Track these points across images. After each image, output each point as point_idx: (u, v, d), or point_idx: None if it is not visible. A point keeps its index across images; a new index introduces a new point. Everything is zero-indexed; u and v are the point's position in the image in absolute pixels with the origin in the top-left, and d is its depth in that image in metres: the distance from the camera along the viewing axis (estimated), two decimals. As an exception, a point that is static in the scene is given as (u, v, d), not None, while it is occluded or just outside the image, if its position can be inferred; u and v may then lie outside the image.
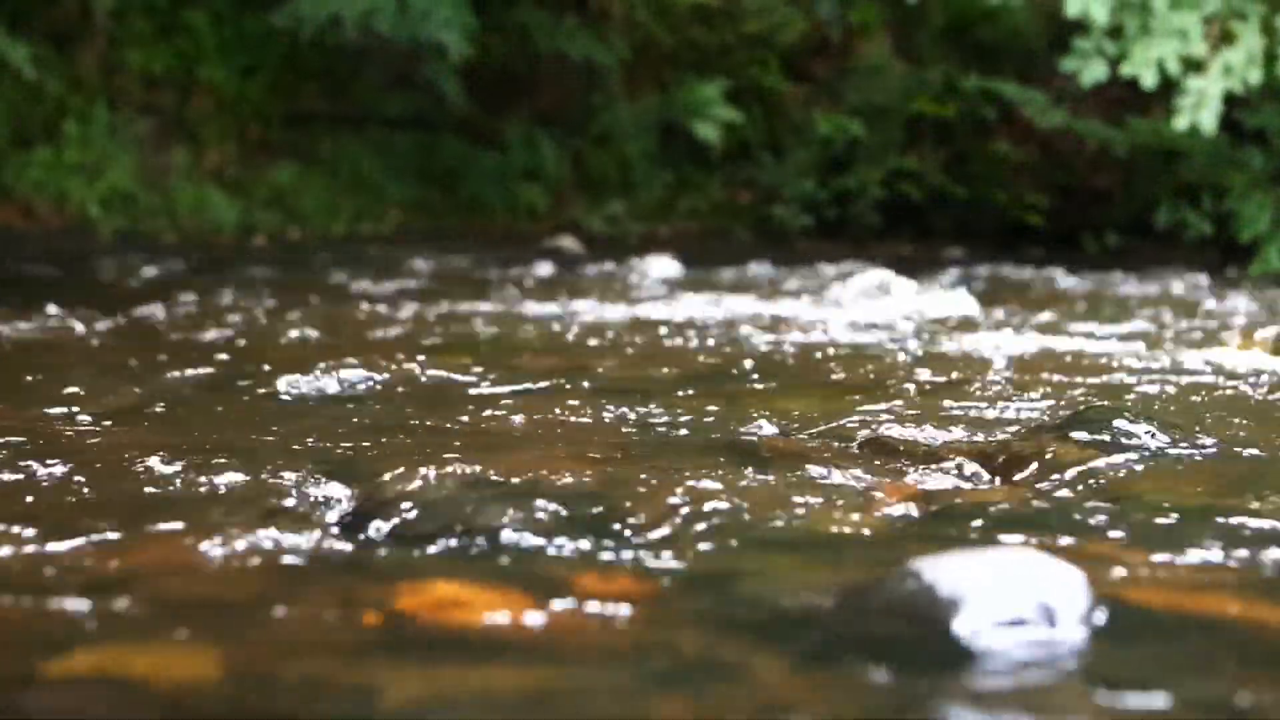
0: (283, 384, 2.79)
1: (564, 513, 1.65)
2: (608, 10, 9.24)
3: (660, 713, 1.10)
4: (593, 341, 3.84)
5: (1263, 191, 7.85)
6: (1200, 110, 6.81)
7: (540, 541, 1.57)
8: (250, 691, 1.14)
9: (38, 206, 7.72)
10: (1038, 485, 1.89)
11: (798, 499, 1.76)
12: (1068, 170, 9.45)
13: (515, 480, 1.78)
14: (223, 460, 1.94)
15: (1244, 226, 7.63)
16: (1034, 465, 1.96)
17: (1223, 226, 8.04)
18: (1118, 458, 2.03)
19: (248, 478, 1.82)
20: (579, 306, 4.80)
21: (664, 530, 1.63)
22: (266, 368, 3.05)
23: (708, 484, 1.81)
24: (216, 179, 8.37)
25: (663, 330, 4.15)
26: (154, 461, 1.93)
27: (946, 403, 2.62)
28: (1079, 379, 3.06)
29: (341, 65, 8.96)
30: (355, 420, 2.42)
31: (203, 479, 1.83)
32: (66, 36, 8.19)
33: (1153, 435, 2.14)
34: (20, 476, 1.85)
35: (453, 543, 1.56)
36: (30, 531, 1.57)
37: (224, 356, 3.43)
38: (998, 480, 1.94)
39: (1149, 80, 6.92)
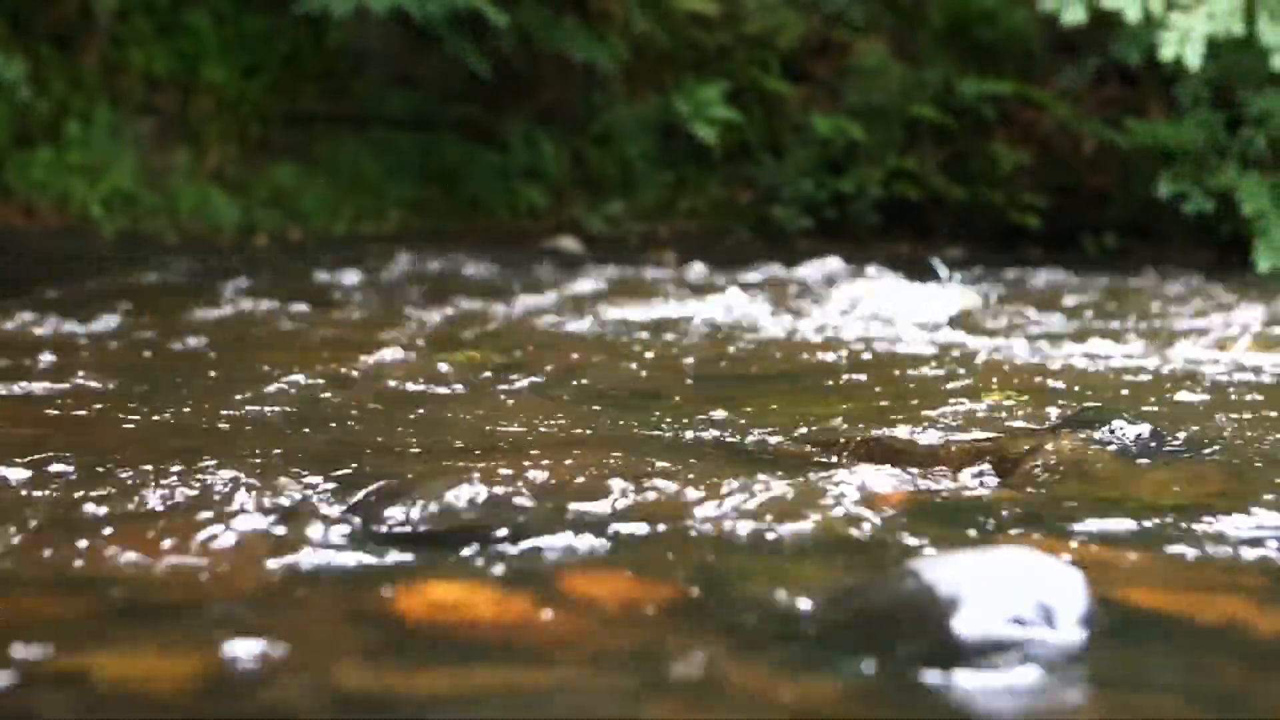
0: (283, 383, 2.80)
1: (564, 513, 1.66)
2: (608, 11, 9.24)
3: (659, 713, 1.11)
4: (592, 341, 3.85)
5: (1259, 171, 7.86)
6: (1185, 45, 6.84)
7: (541, 542, 1.58)
8: (250, 692, 1.15)
9: (39, 206, 7.72)
10: (1036, 485, 1.90)
11: (796, 499, 1.77)
12: (1067, 171, 9.45)
13: (516, 481, 1.78)
14: (222, 459, 1.94)
15: (1246, 199, 7.65)
16: (1033, 465, 1.97)
17: (1215, 213, 8.04)
18: (1117, 458, 2.04)
19: (247, 477, 1.83)
20: (578, 306, 4.80)
21: (664, 531, 1.64)
22: (267, 366, 3.05)
23: (706, 484, 1.82)
24: (217, 179, 8.38)
25: (662, 330, 4.15)
26: (154, 460, 1.94)
27: (945, 403, 2.62)
28: (1078, 379, 3.06)
29: (341, 65, 8.96)
30: (355, 420, 2.43)
31: (202, 478, 1.84)
32: (68, 37, 8.19)
33: (1152, 435, 2.15)
34: (18, 475, 1.86)
35: (453, 543, 1.56)
36: (27, 531, 1.57)
37: (225, 355, 3.44)
38: (996, 480, 1.95)
39: (1132, 14, 6.96)
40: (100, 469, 1.89)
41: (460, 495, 1.67)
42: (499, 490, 1.70)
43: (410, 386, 2.85)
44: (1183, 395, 2.81)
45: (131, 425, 2.32)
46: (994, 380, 3.04)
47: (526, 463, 1.94)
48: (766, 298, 5.24)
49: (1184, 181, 8.06)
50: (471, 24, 7.99)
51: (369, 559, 1.52)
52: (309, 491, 1.74)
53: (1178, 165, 8.15)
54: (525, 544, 1.57)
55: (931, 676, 1.17)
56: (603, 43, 8.97)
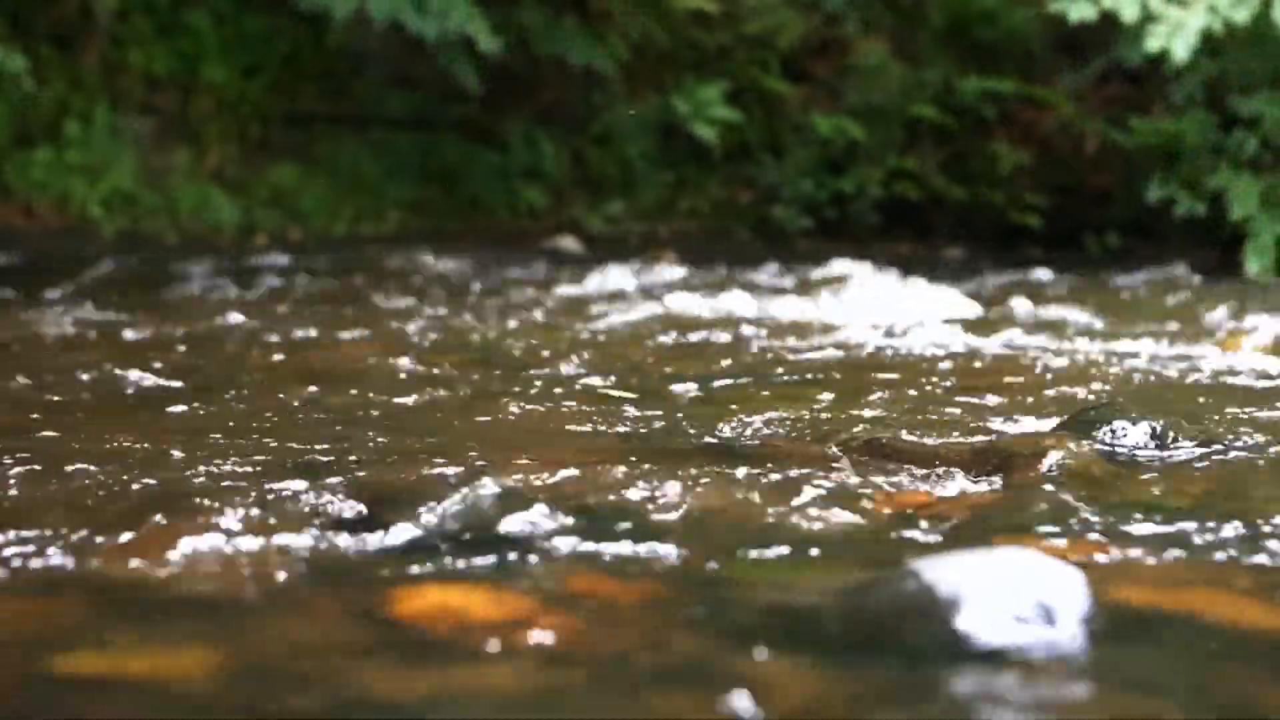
0: (283, 385, 2.80)
1: (564, 514, 1.66)
2: (607, 11, 9.24)
3: (659, 713, 1.11)
4: (591, 342, 3.85)
5: (1252, 173, 7.84)
6: (1174, 38, 6.69)
7: (540, 543, 1.58)
8: (251, 693, 1.15)
9: (39, 206, 7.73)
10: (1037, 485, 1.89)
11: (796, 500, 1.77)
12: (1068, 170, 9.45)
13: (515, 481, 1.78)
14: (222, 461, 1.94)
15: (1235, 202, 7.60)
16: (1033, 465, 1.97)
17: (1215, 213, 8.02)
18: (1117, 458, 2.04)
19: (248, 479, 1.83)
20: (577, 306, 4.80)
21: (663, 531, 1.64)
22: (267, 367, 3.05)
23: (706, 485, 1.82)
24: (217, 179, 8.38)
25: (661, 331, 4.15)
26: (155, 461, 1.94)
27: (945, 403, 2.62)
28: (1079, 379, 3.06)
29: (341, 65, 8.97)
30: (354, 421, 2.43)
31: (203, 479, 1.84)
32: (68, 37, 8.19)
33: (1152, 436, 2.15)
34: (20, 475, 1.86)
35: (453, 544, 1.56)
36: (30, 531, 1.57)
37: (223, 357, 3.44)
38: (997, 481, 1.95)
39: (1129, 13, 6.82)
40: (99, 470, 1.89)
41: (460, 497, 1.66)
42: (498, 492, 1.69)
43: (408, 389, 2.85)
44: (1183, 396, 2.81)
45: (125, 427, 2.32)
46: (994, 381, 3.04)
47: (524, 465, 1.94)
48: (765, 298, 5.24)
49: (1172, 185, 8.05)
50: (466, 37, 8.00)
51: (371, 560, 1.52)
52: (310, 492, 1.74)
53: (1175, 167, 8.12)
54: (526, 544, 1.56)
55: (932, 677, 1.16)
56: (602, 44, 8.97)
